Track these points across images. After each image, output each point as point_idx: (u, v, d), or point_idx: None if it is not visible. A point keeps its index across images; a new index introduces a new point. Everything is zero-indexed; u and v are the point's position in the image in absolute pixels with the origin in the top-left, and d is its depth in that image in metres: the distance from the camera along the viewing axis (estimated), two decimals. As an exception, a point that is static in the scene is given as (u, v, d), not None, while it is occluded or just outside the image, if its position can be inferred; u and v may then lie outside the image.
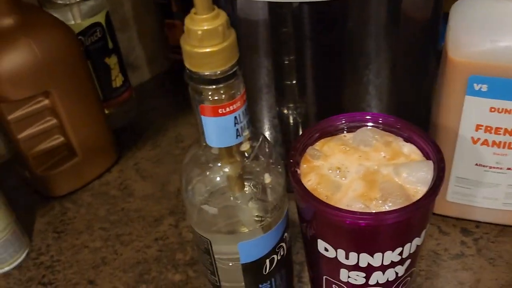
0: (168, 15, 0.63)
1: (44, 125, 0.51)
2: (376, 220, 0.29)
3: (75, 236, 0.51)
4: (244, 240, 0.32)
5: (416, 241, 0.31)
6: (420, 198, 0.29)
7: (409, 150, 0.33)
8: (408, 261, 0.32)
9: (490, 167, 0.43)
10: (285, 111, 0.48)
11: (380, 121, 0.34)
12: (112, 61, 0.58)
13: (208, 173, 0.32)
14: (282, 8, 0.40)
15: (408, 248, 0.31)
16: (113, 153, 0.58)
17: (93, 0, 0.55)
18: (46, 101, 0.49)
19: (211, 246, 0.33)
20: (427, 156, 0.32)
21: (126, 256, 0.48)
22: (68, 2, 0.53)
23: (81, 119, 0.52)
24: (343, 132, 0.35)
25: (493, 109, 0.40)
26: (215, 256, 0.34)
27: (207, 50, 0.26)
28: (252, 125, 0.31)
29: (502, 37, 0.38)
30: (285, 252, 0.35)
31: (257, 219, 0.33)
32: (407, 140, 0.34)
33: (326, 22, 0.41)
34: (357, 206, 0.30)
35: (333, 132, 0.35)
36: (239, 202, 0.32)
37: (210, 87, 0.27)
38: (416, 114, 0.49)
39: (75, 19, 0.54)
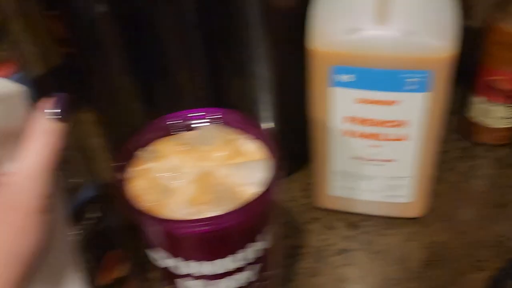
0: (49, 7, 0.59)
1: None
2: (193, 227, 0.26)
3: None
4: None
5: (260, 244, 0.29)
6: (246, 203, 0.27)
7: (252, 148, 0.31)
8: (258, 266, 0.30)
9: (367, 160, 0.42)
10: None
11: (223, 118, 0.32)
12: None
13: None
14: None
15: (245, 254, 0.29)
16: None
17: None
18: None
19: None
20: (268, 155, 0.30)
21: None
22: None
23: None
24: (184, 131, 0.32)
25: (361, 100, 0.38)
26: None
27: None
28: None
29: (363, 25, 0.35)
30: None
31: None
32: (251, 138, 0.31)
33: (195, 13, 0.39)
34: (184, 212, 0.27)
35: (172, 131, 0.32)
36: None
37: None
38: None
39: None
